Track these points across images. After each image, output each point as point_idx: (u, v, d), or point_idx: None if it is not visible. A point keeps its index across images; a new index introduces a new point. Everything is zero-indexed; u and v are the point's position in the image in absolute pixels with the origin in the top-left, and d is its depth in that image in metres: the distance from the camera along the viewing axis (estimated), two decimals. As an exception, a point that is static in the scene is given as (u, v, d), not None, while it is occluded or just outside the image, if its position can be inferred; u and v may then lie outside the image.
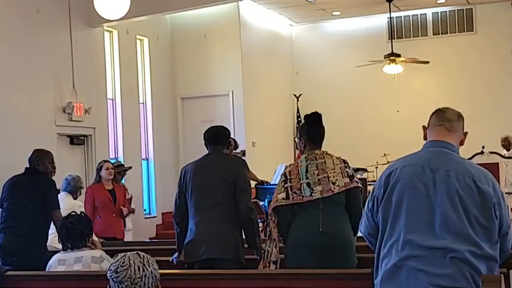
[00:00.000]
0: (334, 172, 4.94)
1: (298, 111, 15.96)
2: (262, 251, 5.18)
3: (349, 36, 16.17)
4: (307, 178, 4.96)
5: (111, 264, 3.38)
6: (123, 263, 3.34)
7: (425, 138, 3.48)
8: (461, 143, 3.45)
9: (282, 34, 16.15)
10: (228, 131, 5.85)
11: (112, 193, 8.74)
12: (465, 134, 3.46)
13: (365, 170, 12.61)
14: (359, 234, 5.03)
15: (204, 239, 5.37)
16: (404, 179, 3.28)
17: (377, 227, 3.36)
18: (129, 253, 3.40)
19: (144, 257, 3.39)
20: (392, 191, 3.29)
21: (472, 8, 15.28)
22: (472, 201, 3.17)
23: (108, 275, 3.38)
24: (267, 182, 11.47)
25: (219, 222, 5.38)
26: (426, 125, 3.49)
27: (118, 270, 3.33)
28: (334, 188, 4.89)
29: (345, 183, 4.91)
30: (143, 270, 3.34)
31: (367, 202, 3.45)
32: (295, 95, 16.14)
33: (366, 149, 14.59)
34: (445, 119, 3.41)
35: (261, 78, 14.80)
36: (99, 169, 8.76)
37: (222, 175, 5.43)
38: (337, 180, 4.91)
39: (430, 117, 3.47)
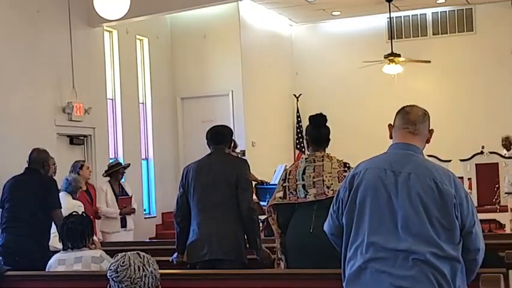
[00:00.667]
0: (330, 176, 4.94)
1: (298, 111, 15.97)
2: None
3: (349, 36, 16.18)
4: (303, 180, 4.99)
5: (111, 264, 3.38)
6: (123, 262, 3.34)
7: (391, 137, 3.47)
8: (427, 141, 3.46)
9: (282, 34, 16.15)
10: (231, 130, 5.85)
11: (88, 194, 8.77)
12: (430, 132, 3.46)
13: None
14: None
15: (207, 240, 5.37)
16: (367, 181, 3.28)
17: (341, 227, 3.39)
18: (129, 253, 3.40)
19: (144, 257, 3.40)
20: (356, 194, 3.30)
21: (471, 8, 15.28)
22: (433, 203, 3.18)
23: (108, 274, 3.38)
24: (266, 182, 11.48)
25: (222, 223, 5.38)
26: (392, 124, 3.47)
27: (118, 270, 3.33)
28: (328, 192, 4.89)
29: None
30: (143, 270, 3.34)
31: (332, 203, 3.47)
32: (295, 95, 16.15)
33: (365, 149, 14.36)
34: (410, 122, 3.40)
35: (260, 78, 14.80)
36: (79, 168, 8.75)
37: (224, 175, 5.44)
38: (332, 184, 4.91)
39: (396, 116, 3.46)
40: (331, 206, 3.47)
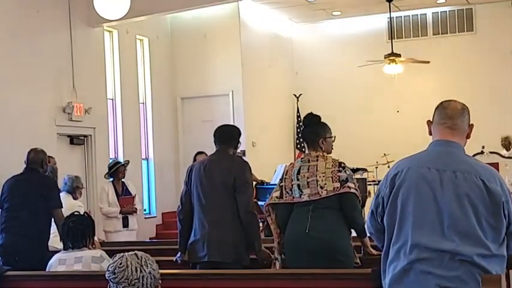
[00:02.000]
0: (324, 176, 4.93)
1: (298, 111, 15.96)
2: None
3: (349, 36, 16.17)
4: (297, 180, 5.00)
5: (109, 265, 3.38)
6: (120, 264, 3.34)
7: (430, 133, 3.41)
8: (468, 136, 3.38)
9: (282, 34, 16.15)
10: (239, 131, 5.76)
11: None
12: (471, 126, 3.39)
13: (365, 170, 12.60)
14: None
15: (206, 242, 5.35)
16: (410, 180, 3.23)
17: (381, 227, 3.33)
18: (126, 254, 3.39)
19: (142, 257, 3.39)
20: (398, 193, 3.25)
21: (472, 8, 15.27)
22: (482, 202, 3.13)
23: (106, 275, 3.38)
24: (266, 182, 11.48)
25: (221, 225, 5.35)
26: (431, 120, 3.41)
27: (115, 271, 3.33)
28: (322, 192, 4.89)
29: (334, 188, 4.89)
30: (140, 272, 3.33)
31: (372, 202, 3.41)
32: (295, 95, 16.14)
33: (366, 149, 14.58)
34: (447, 117, 3.33)
35: (260, 78, 14.80)
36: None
37: (223, 177, 5.40)
38: (325, 184, 4.90)
39: (435, 112, 3.39)
40: (371, 204, 3.41)
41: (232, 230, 5.35)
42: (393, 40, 14.93)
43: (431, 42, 15.55)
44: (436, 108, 3.39)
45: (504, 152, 12.55)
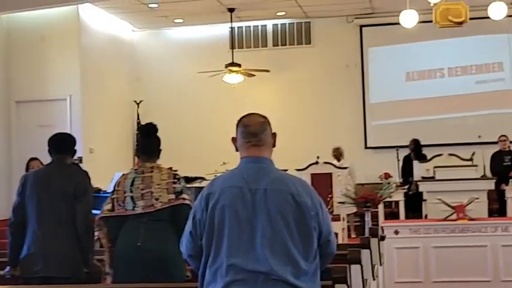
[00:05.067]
0: (159, 187, 4.88)
1: (138, 118, 15.79)
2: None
3: (191, 44, 16.19)
4: (131, 191, 4.91)
5: None
6: None
7: (236, 150, 3.41)
8: (273, 145, 3.41)
9: (124, 39, 15.93)
10: (74, 139, 5.60)
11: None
12: (274, 136, 3.41)
13: (203, 178, 12.61)
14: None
15: (41, 256, 5.16)
16: (224, 201, 3.21)
17: (199, 249, 3.29)
18: None
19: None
20: (213, 214, 3.23)
21: (310, 22, 15.73)
22: (292, 217, 3.17)
23: None
24: (103, 191, 11.25)
25: (58, 238, 5.18)
26: (235, 136, 3.41)
27: None
28: (156, 204, 4.84)
29: (169, 200, 4.86)
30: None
31: (188, 223, 3.37)
32: (135, 102, 15.96)
33: (207, 157, 14.63)
34: (251, 135, 3.34)
35: (100, 84, 14.51)
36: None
37: (62, 188, 5.23)
38: (160, 196, 4.86)
39: (237, 128, 3.39)
40: (187, 225, 3.34)
41: (70, 243, 5.19)
42: (234, 50, 15.11)
43: (271, 53, 15.85)
44: (237, 125, 3.39)
45: (335, 162, 12.99)
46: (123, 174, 5.14)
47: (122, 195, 4.92)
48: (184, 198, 4.89)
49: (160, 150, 5.12)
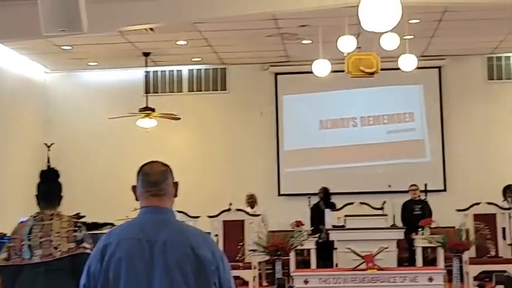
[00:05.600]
0: (59, 236, 4.73)
1: (48, 161, 15.40)
2: None
3: (106, 87, 15.98)
4: (29, 240, 4.74)
5: None
6: None
7: (137, 199, 3.30)
8: (175, 195, 3.31)
9: (36, 80, 15.59)
10: None
11: None
12: (175, 185, 3.31)
13: (112, 224, 12.35)
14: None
15: None
16: (121, 253, 3.10)
17: None
18: None
19: None
20: (109, 267, 3.11)
21: (225, 68, 15.78)
22: (191, 271, 3.08)
23: None
24: (4, 235, 10.87)
25: None
26: (136, 184, 3.29)
27: None
28: (55, 253, 4.69)
29: (68, 249, 4.71)
30: None
31: (82, 275, 3.23)
32: (46, 144, 15.59)
33: (118, 202, 14.33)
34: (151, 185, 3.24)
35: (8, 125, 14.11)
36: None
37: None
38: (59, 244, 4.71)
39: (137, 177, 3.29)
40: (82, 278, 3.20)
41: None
42: (149, 94, 15.01)
43: (186, 99, 15.79)
44: (138, 173, 3.29)
45: (249, 209, 12.93)
46: (21, 222, 4.95)
47: (19, 243, 4.77)
48: (85, 247, 4.76)
49: (61, 196, 4.98)
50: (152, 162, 3.33)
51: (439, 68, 15.28)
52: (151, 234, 3.12)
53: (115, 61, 15.07)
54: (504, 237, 11.57)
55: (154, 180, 3.23)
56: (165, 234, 3.13)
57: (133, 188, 3.30)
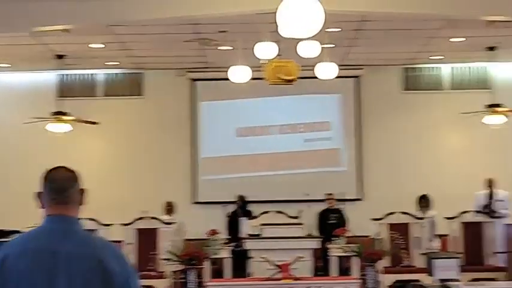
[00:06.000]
0: None
1: None
2: None
3: (17, 91, 15.45)
4: None
5: None
6: None
7: (42, 207, 3.09)
8: (82, 203, 3.13)
9: None
10: None
11: None
12: (82, 191, 3.13)
13: (19, 232, 11.92)
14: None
15: None
16: (21, 266, 2.91)
17: None
18: None
19: None
20: (7, 279, 2.91)
21: (141, 73, 15.51)
22: (97, 284, 2.91)
23: None
24: None
25: None
26: (40, 191, 3.09)
27: None
28: None
29: None
30: None
31: None
32: (-48, 148, 15.00)
33: (27, 209, 13.82)
34: (56, 192, 3.05)
35: None
36: None
37: None
38: None
39: (42, 183, 3.09)
40: None
41: None
42: (63, 98, 14.61)
43: (102, 104, 15.43)
44: (43, 179, 3.09)
45: (166, 217, 12.73)
46: None
47: None
48: None
49: None
50: (58, 167, 3.14)
51: (357, 77, 15.40)
52: (55, 245, 2.94)
53: (27, 63, 14.56)
54: (418, 247, 11.69)
55: (60, 187, 3.06)
56: (70, 245, 2.95)
57: (38, 194, 3.09)
